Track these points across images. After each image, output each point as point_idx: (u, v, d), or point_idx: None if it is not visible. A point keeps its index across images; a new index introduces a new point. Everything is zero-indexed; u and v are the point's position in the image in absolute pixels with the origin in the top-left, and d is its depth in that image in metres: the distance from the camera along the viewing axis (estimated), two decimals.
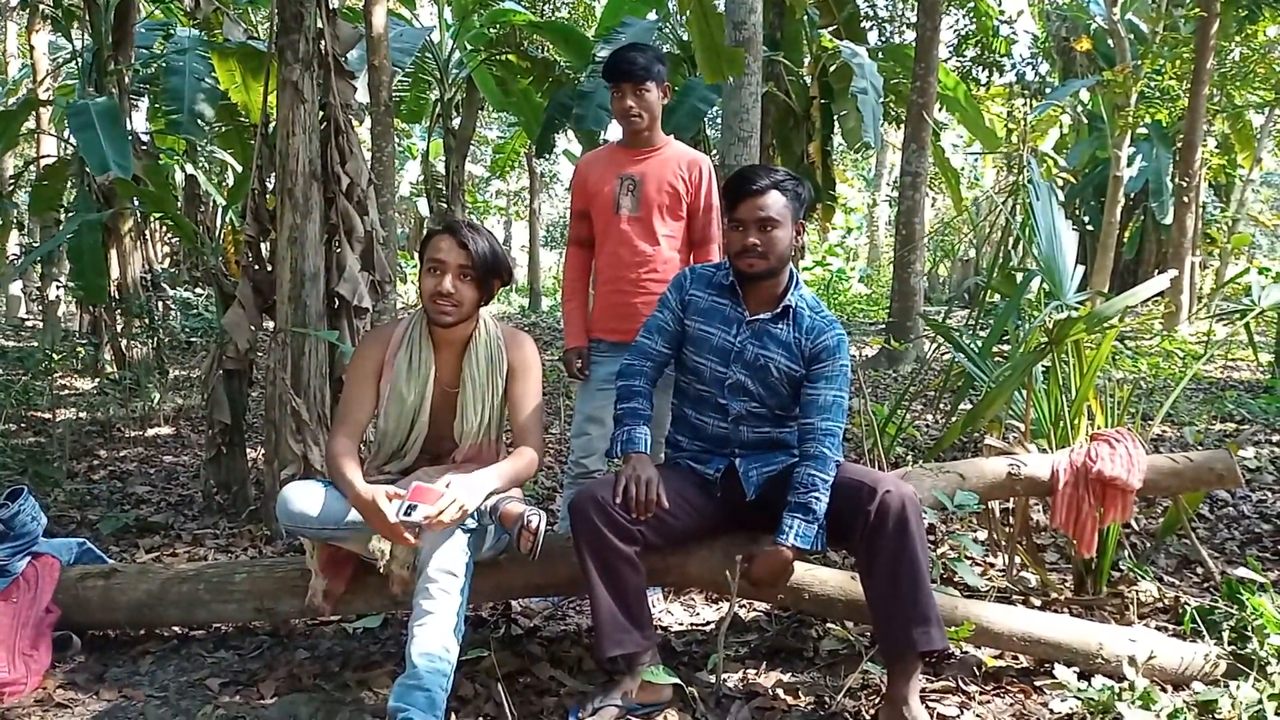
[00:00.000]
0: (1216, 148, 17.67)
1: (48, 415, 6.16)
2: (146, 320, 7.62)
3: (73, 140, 7.11)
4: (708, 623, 3.01)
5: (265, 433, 3.94)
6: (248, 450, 4.51)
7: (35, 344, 9.26)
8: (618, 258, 3.13)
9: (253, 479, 4.43)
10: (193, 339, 9.04)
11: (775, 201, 2.47)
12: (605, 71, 3.11)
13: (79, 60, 8.11)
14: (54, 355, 6.69)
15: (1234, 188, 19.19)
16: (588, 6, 15.57)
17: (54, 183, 8.05)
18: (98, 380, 7.62)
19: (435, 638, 2.18)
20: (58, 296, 10.24)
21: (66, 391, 7.44)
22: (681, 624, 3.02)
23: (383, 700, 2.36)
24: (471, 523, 2.41)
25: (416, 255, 2.75)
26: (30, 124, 9.83)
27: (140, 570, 2.83)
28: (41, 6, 9.28)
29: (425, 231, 2.64)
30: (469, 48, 10.97)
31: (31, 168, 10.10)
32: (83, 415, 6.45)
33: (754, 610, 3.04)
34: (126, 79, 7.52)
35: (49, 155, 9.82)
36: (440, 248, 2.51)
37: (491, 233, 2.62)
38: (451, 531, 2.33)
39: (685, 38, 11.27)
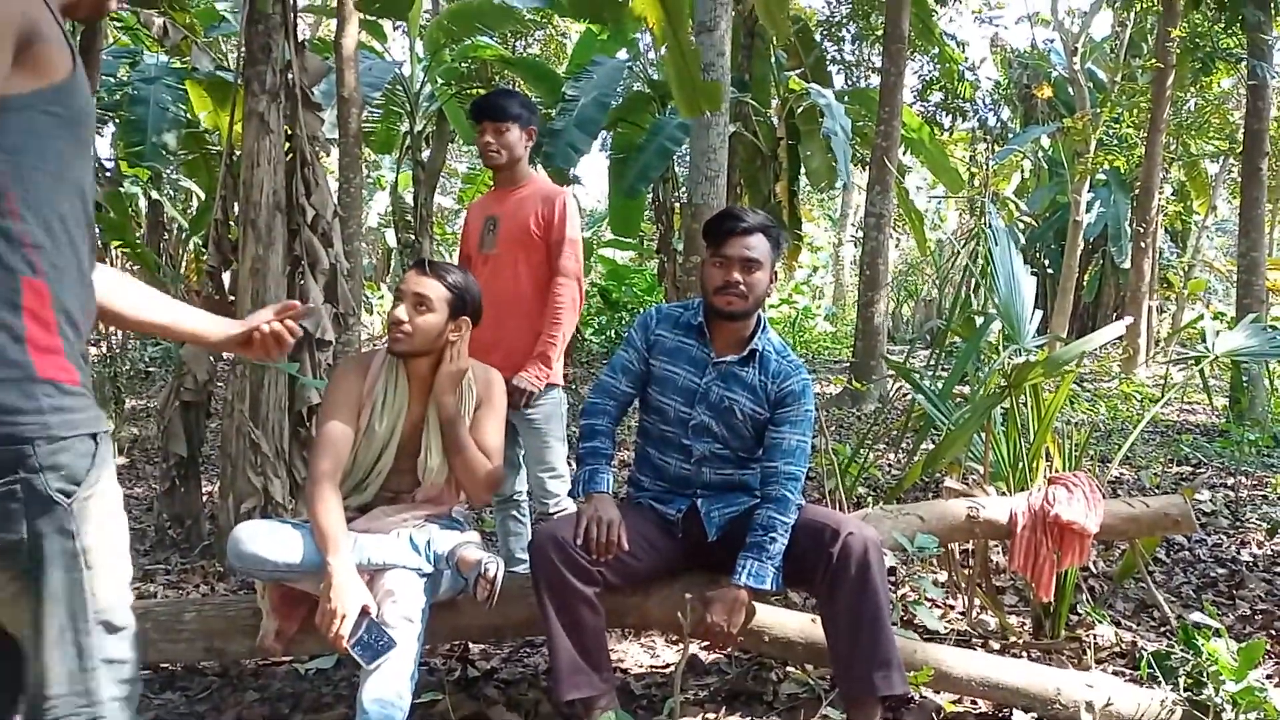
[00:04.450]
0: (1173, 195, 18.12)
1: None
2: (104, 349, 7.49)
3: None
4: (667, 665, 2.97)
5: (221, 466, 3.87)
6: (203, 484, 4.43)
7: None
8: (486, 296, 3.21)
9: (207, 513, 4.34)
10: (150, 369, 8.90)
11: (760, 244, 2.49)
12: (471, 109, 3.29)
13: None
14: None
15: (1190, 234, 19.66)
16: (559, 44, 15.70)
17: None
18: None
19: (388, 683, 2.13)
20: None
21: None
22: (641, 666, 2.99)
23: None
24: (428, 567, 2.38)
25: (387, 287, 2.71)
26: None
27: None
28: None
29: (392, 263, 2.61)
30: (440, 81, 11.01)
31: None
32: None
33: (714, 653, 3.01)
34: (93, 105, 7.44)
35: None
36: (406, 280, 2.52)
37: (467, 273, 2.60)
38: (408, 576, 2.30)
39: (656, 77, 11.39)
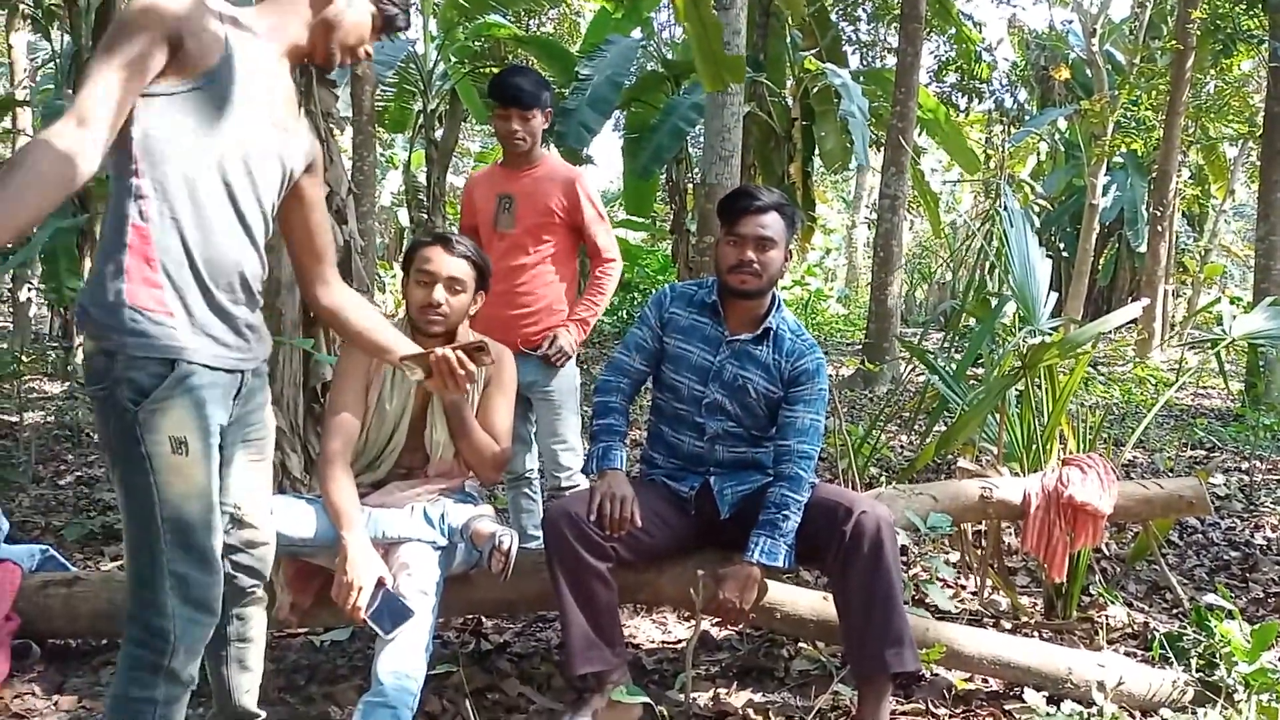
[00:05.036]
0: (1190, 178, 17.97)
1: (15, 419, 6.07)
2: None
3: None
4: (679, 641, 2.99)
5: None
6: None
7: (4, 346, 9.14)
8: (496, 272, 3.10)
9: None
10: None
11: (775, 222, 2.48)
12: (493, 92, 3.20)
13: (58, 61, 8.05)
14: (24, 358, 6.59)
15: (1207, 218, 19.51)
16: (573, 23, 15.64)
17: None
18: (67, 384, 7.53)
19: (403, 656, 2.15)
20: (29, 298, 10.10)
21: (35, 395, 7.34)
22: (653, 641, 3.00)
23: (349, 716, 2.33)
24: (442, 540, 2.39)
25: (400, 265, 2.72)
26: (6, 124, 9.73)
27: (104, 578, 2.78)
28: (22, 6, 9.21)
29: (410, 242, 2.63)
30: (453, 60, 10.97)
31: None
32: (51, 419, 6.36)
33: (725, 629, 3.03)
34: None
35: None
36: (430, 259, 2.48)
37: (478, 247, 2.63)
38: (423, 550, 2.32)
39: (670, 56, 11.33)
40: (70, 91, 7.23)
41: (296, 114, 1.86)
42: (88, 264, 7.43)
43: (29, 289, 9.89)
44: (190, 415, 1.66)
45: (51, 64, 9.30)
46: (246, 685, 2.07)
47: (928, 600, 3.04)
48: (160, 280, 1.64)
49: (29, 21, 9.84)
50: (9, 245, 1.64)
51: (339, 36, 1.82)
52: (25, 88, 10.98)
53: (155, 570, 1.67)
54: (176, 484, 1.66)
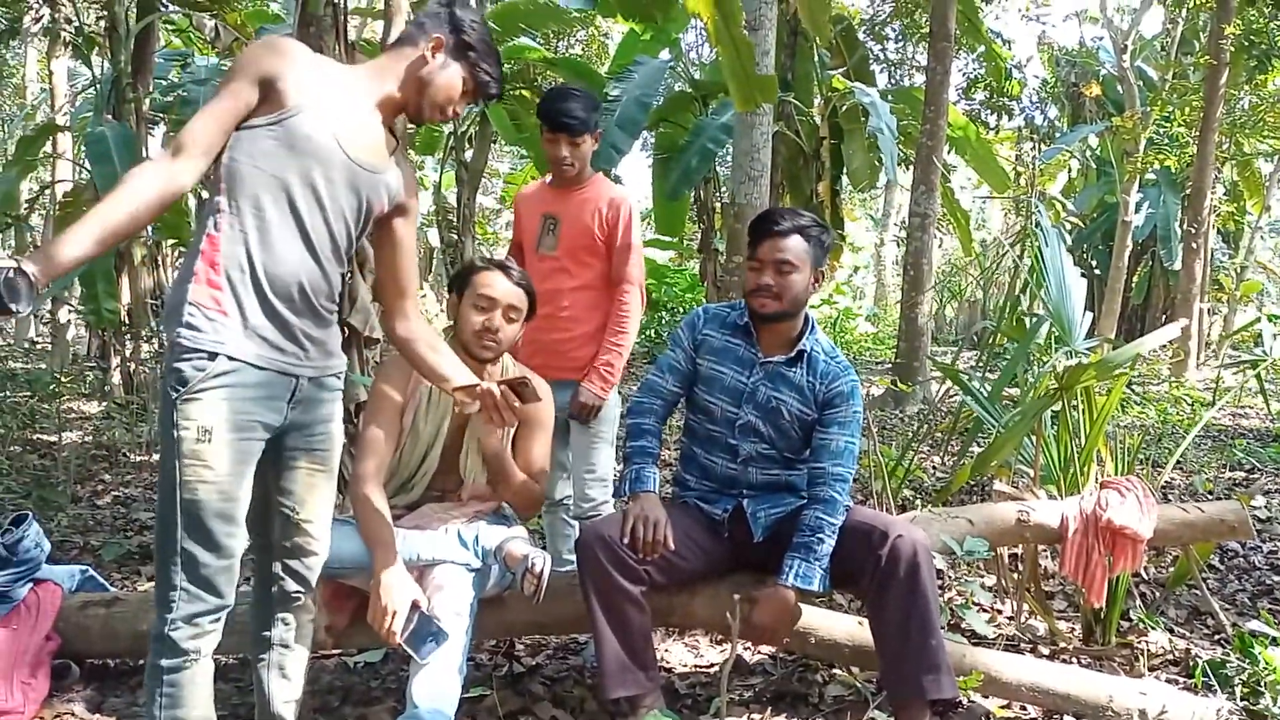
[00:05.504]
0: (1225, 195, 17.75)
1: (54, 439, 6.16)
2: (155, 345, 7.64)
3: (89, 166, 7.16)
4: (712, 665, 2.97)
5: None
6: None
7: (43, 366, 9.29)
8: (539, 295, 2.89)
9: None
10: None
11: (796, 245, 2.47)
12: (543, 116, 3.06)
13: (98, 87, 8.20)
14: (62, 378, 6.69)
15: (1243, 235, 19.25)
16: (601, 44, 15.74)
17: (75, 209, 8.09)
18: (104, 404, 7.63)
19: (437, 678, 2.15)
20: (68, 320, 10.27)
21: (73, 415, 7.44)
22: (685, 665, 2.99)
23: None
24: (476, 562, 2.39)
25: (448, 287, 2.75)
26: (47, 149, 9.92)
27: (142, 599, 2.81)
28: (63, 33, 9.41)
29: (465, 264, 2.68)
30: None
31: (47, 192, 10.18)
32: (89, 439, 6.45)
33: (758, 654, 3.00)
34: (144, 106, 7.60)
35: (64, 180, 9.91)
36: (492, 284, 2.50)
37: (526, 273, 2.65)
38: (457, 571, 2.32)
39: (698, 77, 11.38)
40: (110, 117, 7.37)
41: (386, 158, 2.03)
42: (125, 285, 7.54)
43: (68, 310, 10.05)
44: (221, 406, 1.81)
45: (91, 90, 9.48)
46: (285, 695, 2.12)
47: (964, 625, 3.00)
48: (221, 283, 1.83)
49: (69, 48, 10.05)
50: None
51: (430, 94, 2.01)
52: (65, 113, 11.19)
53: (169, 546, 1.83)
54: (195, 469, 1.80)
